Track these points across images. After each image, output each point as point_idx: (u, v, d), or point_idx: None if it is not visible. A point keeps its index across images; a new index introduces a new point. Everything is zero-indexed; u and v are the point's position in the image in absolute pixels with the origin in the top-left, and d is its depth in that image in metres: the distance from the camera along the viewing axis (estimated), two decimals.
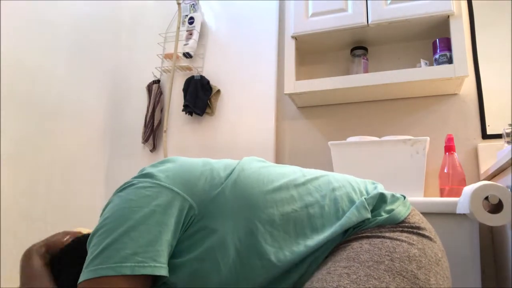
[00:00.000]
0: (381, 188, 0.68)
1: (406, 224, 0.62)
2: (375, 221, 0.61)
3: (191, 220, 0.60)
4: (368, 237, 0.59)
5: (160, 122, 1.82)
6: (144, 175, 0.63)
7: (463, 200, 0.84)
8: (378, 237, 0.59)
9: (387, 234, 0.60)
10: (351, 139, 1.34)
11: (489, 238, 1.24)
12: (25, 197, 1.38)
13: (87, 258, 0.56)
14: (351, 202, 0.63)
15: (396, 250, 0.57)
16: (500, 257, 1.12)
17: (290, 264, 0.58)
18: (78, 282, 0.54)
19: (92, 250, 0.56)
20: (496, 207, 0.75)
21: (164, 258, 0.56)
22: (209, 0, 1.91)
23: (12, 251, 1.30)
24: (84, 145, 1.70)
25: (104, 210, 0.62)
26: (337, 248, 0.60)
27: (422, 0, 1.32)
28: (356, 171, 1.27)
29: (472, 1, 1.44)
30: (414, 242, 0.59)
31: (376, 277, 0.53)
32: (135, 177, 0.64)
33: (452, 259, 1.01)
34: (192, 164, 0.67)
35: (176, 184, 0.62)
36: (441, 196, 1.24)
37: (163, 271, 0.56)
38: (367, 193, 0.66)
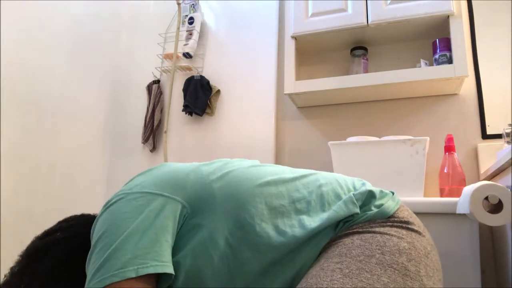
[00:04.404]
0: (369, 186, 0.69)
1: (396, 219, 0.63)
2: (365, 216, 0.63)
3: (184, 219, 0.62)
4: (359, 232, 0.61)
5: (160, 122, 1.82)
6: (130, 188, 0.64)
7: (463, 200, 0.84)
8: (369, 232, 0.61)
9: (377, 229, 0.61)
10: (351, 139, 1.34)
11: (489, 238, 1.24)
12: (25, 197, 1.38)
13: (88, 274, 0.56)
14: (337, 197, 0.65)
15: (386, 244, 0.58)
16: (500, 257, 1.12)
17: (280, 255, 0.60)
18: None
19: (93, 266, 0.56)
20: (496, 207, 0.75)
21: (165, 257, 0.57)
22: (209, 0, 1.91)
23: (12, 251, 1.30)
24: (84, 145, 1.70)
25: (93, 228, 0.62)
26: (329, 245, 0.62)
27: (422, 0, 1.32)
28: (356, 171, 1.27)
29: (472, 1, 1.44)
30: (403, 236, 0.60)
31: (368, 270, 0.54)
32: (122, 191, 0.64)
33: (452, 259, 1.02)
34: (178, 168, 0.69)
35: (164, 188, 0.63)
36: (441, 196, 1.24)
37: (167, 269, 0.57)
38: (355, 189, 0.68)
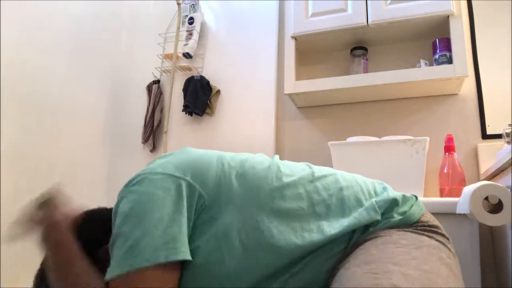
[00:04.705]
0: (391, 190, 0.67)
1: (419, 224, 0.62)
2: (388, 223, 0.61)
3: (201, 209, 0.61)
4: (390, 235, 0.59)
5: (160, 122, 1.82)
6: (154, 168, 0.63)
7: (463, 200, 0.84)
8: (400, 231, 0.59)
9: (405, 230, 0.60)
10: (351, 139, 1.34)
11: (489, 238, 1.24)
12: (25, 197, 1.38)
13: (114, 256, 0.56)
14: (358, 202, 0.63)
15: (421, 239, 0.57)
16: (500, 257, 1.12)
17: (293, 259, 0.59)
18: (111, 277, 0.54)
19: (119, 248, 0.55)
20: (496, 207, 0.75)
21: (187, 244, 0.57)
22: (209, 0, 1.91)
23: (12, 251, 1.30)
24: (84, 145, 1.70)
25: (118, 206, 0.61)
26: (357, 244, 0.60)
27: (422, 0, 1.32)
28: (356, 171, 1.27)
29: (472, 1, 1.44)
30: (432, 236, 0.59)
31: (428, 259, 0.52)
32: (145, 171, 0.63)
33: None
34: (201, 155, 0.67)
35: (186, 174, 0.62)
36: (441, 196, 1.24)
37: (189, 256, 0.57)
38: (376, 193, 0.66)
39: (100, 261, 0.65)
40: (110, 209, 0.73)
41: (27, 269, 1.33)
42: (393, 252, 0.53)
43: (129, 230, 0.56)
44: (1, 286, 1.24)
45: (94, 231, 0.69)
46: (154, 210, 0.57)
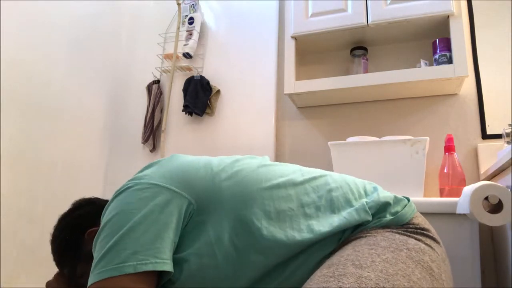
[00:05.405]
0: (381, 191, 0.68)
1: (411, 225, 0.62)
2: (379, 222, 0.62)
3: (190, 215, 0.62)
4: (374, 235, 0.59)
5: (160, 122, 1.82)
6: (140, 177, 0.64)
7: (463, 200, 0.84)
8: (387, 232, 0.60)
9: (394, 231, 0.60)
10: (351, 139, 1.34)
11: (489, 238, 1.24)
12: (25, 197, 1.38)
13: (93, 261, 0.57)
14: (348, 203, 0.64)
15: (408, 242, 0.57)
16: (500, 257, 1.12)
17: (284, 259, 0.59)
18: (87, 287, 0.55)
19: (96, 255, 0.57)
20: (496, 207, 0.75)
21: (165, 254, 0.57)
22: (209, 0, 1.91)
23: (12, 251, 1.30)
24: (84, 145, 1.70)
25: (103, 215, 0.62)
26: (344, 243, 0.60)
27: (422, 0, 1.32)
28: (356, 171, 1.27)
29: (472, 1, 1.44)
30: (421, 239, 0.60)
31: (402, 262, 0.53)
32: (132, 180, 0.64)
33: (452, 259, 1.01)
34: (189, 162, 0.68)
35: (173, 182, 0.62)
36: (441, 196, 1.24)
37: (166, 267, 0.57)
38: (366, 193, 0.67)
39: (81, 244, 0.71)
40: (105, 201, 0.76)
41: (27, 269, 1.33)
42: (363, 254, 0.54)
43: (105, 237, 0.57)
44: (1, 286, 1.24)
45: (85, 212, 0.78)
46: (128, 220, 0.57)
